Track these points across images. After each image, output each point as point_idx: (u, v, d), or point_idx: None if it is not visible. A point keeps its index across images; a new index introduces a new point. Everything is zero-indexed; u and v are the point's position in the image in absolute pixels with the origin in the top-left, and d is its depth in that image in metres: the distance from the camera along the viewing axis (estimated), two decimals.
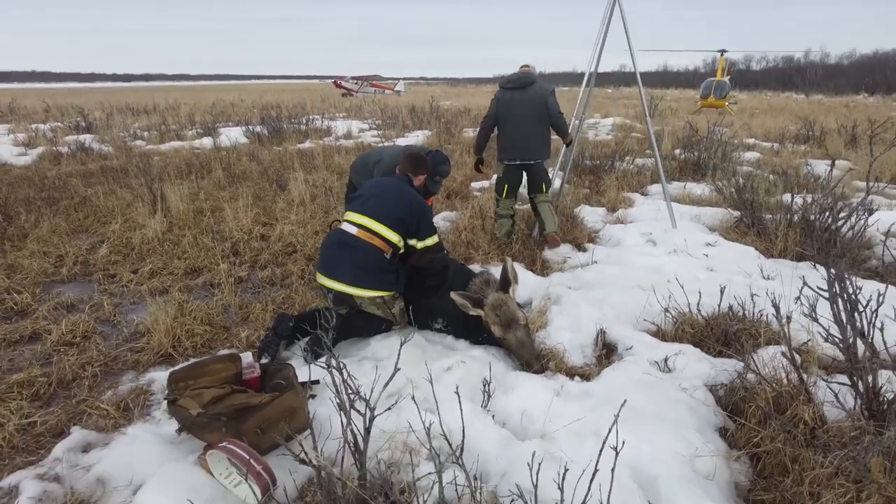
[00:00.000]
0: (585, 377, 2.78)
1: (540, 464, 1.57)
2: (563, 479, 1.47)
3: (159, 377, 2.85)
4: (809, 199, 4.81)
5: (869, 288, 3.01)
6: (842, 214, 4.53)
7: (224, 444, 1.94)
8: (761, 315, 3.05)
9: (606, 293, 3.63)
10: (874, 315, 2.03)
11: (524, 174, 4.92)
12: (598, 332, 3.14)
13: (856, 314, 2.03)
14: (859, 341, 2.04)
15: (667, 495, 1.90)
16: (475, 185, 7.58)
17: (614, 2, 4.69)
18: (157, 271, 4.39)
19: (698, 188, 7.00)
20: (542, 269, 4.40)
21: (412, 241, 3.25)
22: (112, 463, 2.16)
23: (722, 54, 25.11)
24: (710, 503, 1.85)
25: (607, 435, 1.49)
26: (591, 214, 5.96)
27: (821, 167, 8.31)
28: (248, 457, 1.87)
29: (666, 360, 2.78)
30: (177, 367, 2.45)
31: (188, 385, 2.28)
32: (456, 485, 1.92)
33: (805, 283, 2.20)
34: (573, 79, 64.02)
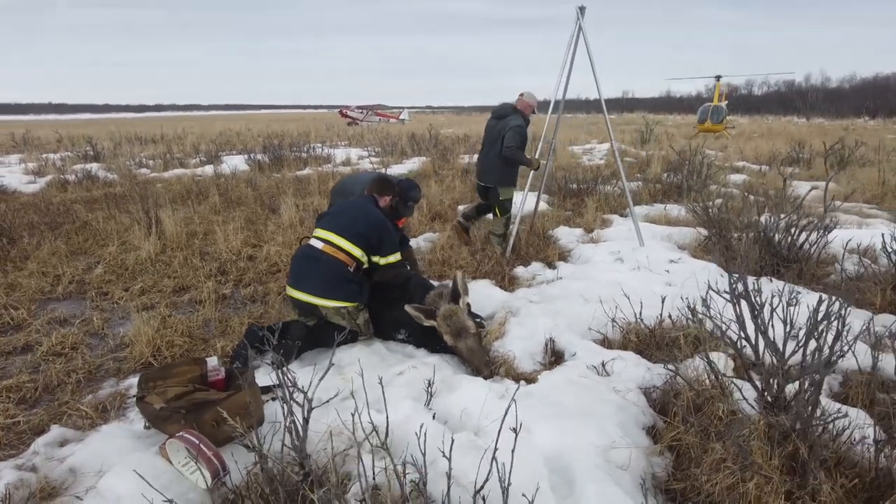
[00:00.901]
0: (531, 381, 2.98)
1: (448, 438, 1.78)
2: (481, 462, 1.68)
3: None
4: (772, 219, 5.01)
5: (811, 298, 3.21)
6: (797, 232, 4.72)
7: (181, 433, 2.16)
8: (699, 323, 3.25)
9: (563, 306, 3.85)
10: (771, 315, 2.23)
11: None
12: (546, 340, 3.35)
13: (755, 314, 2.24)
14: (761, 338, 2.24)
15: (578, 480, 2.09)
16: (461, 207, 7.85)
17: (578, 31, 5.00)
18: (146, 289, 4.65)
19: (676, 209, 7.22)
20: (510, 284, 4.62)
21: (375, 258, 3.50)
22: (84, 455, 2.38)
23: (718, 80, 25.58)
24: (616, 488, 2.03)
25: (505, 421, 1.69)
26: (567, 235, 6.19)
27: (805, 188, 8.52)
28: (199, 443, 2.08)
29: (604, 364, 2.99)
30: (148, 370, 2.68)
31: (156, 385, 2.51)
32: (386, 471, 2.12)
33: (710, 288, 2.41)
34: (579, 105, 64.92)
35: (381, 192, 3.82)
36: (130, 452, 2.35)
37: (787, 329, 2.11)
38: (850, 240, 4.84)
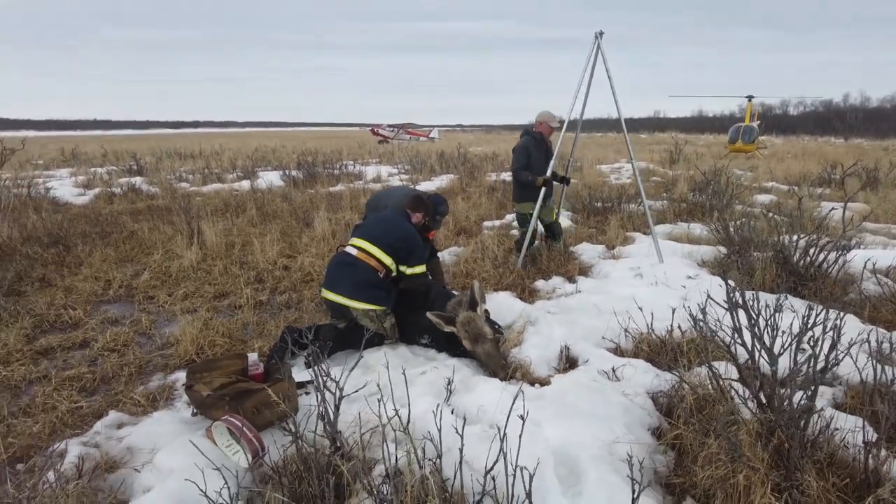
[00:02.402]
0: (544, 384, 3.17)
1: (459, 421, 2.00)
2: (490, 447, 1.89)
3: (183, 377, 3.36)
4: (790, 238, 5.11)
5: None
6: (815, 251, 4.81)
7: (225, 417, 2.42)
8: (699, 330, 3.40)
9: (580, 317, 4.03)
10: (767, 323, 2.39)
11: None
12: (562, 348, 3.54)
13: (753, 322, 2.40)
14: (757, 344, 2.40)
15: (582, 469, 2.28)
16: (486, 223, 8.09)
17: (596, 54, 5.22)
18: (189, 294, 4.99)
19: (699, 228, 7.32)
20: (530, 296, 4.82)
21: (402, 267, 3.76)
22: (139, 436, 2.67)
23: (750, 100, 25.40)
24: (615, 476, 2.21)
25: (519, 415, 1.90)
26: (589, 251, 6.36)
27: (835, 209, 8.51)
28: (241, 425, 2.34)
29: (614, 370, 3.16)
30: (196, 363, 2.97)
31: (203, 376, 2.79)
32: (408, 455, 2.34)
33: (709, 297, 2.58)
34: (610, 125, 64.88)
35: (415, 209, 4.12)
36: (179, 435, 2.63)
37: (773, 333, 2.27)
38: (868, 259, 4.91)
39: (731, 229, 5.72)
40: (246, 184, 12.62)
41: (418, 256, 3.85)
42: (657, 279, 4.96)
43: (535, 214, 5.50)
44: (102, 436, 2.71)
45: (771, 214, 7.13)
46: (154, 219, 8.39)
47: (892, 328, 3.98)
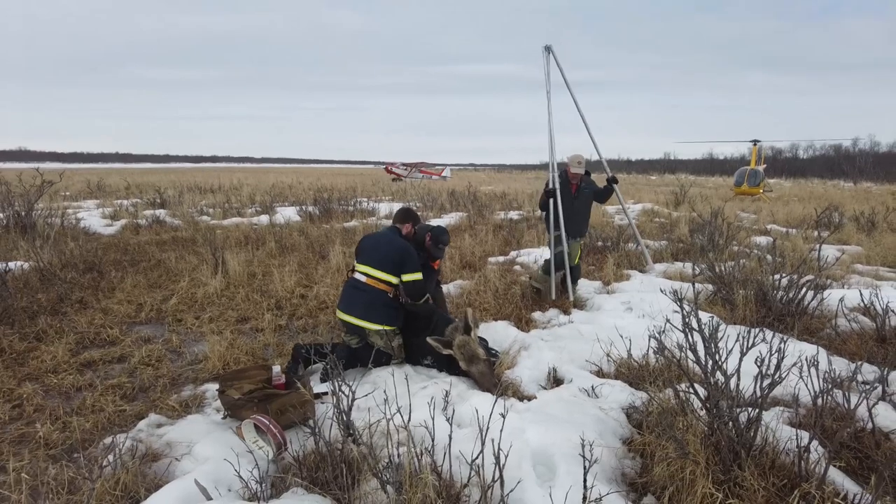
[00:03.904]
0: (531, 399, 3.56)
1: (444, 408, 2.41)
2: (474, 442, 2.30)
3: (211, 388, 3.80)
4: (772, 277, 5.51)
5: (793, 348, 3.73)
6: (793, 290, 5.20)
7: (253, 416, 2.85)
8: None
9: (569, 343, 4.43)
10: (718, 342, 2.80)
11: None
12: (549, 369, 3.94)
13: (708, 343, 2.81)
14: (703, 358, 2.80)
15: (555, 462, 2.68)
16: (491, 259, 8.56)
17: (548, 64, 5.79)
18: (214, 318, 5.46)
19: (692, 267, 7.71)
20: (526, 325, 5.23)
21: (402, 275, 4.13)
22: (176, 434, 3.10)
23: (755, 144, 26.02)
24: (580, 469, 2.59)
25: (505, 422, 2.32)
26: (586, 286, 6.77)
27: (830, 251, 8.91)
28: (267, 422, 2.77)
29: (593, 388, 3.55)
30: (226, 372, 3.41)
31: (233, 383, 3.23)
32: (408, 449, 2.74)
33: (667, 321, 2.99)
34: (620, 166, 65.98)
35: (404, 221, 4.47)
36: (212, 432, 3.06)
37: (714, 350, 2.67)
38: (842, 297, 5.28)
39: (718, 269, 6.13)
40: (265, 218, 13.25)
41: (412, 264, 4.13)
42: (644, 312, 5.35)
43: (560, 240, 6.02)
44: (145, 433, 3.14)
45: (755, 254, 7.54)
46: (179, 249, 8.94)
47: (855, 359, 4.33)
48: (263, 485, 2.42)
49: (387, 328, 4.04)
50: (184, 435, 3.08)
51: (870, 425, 3.14)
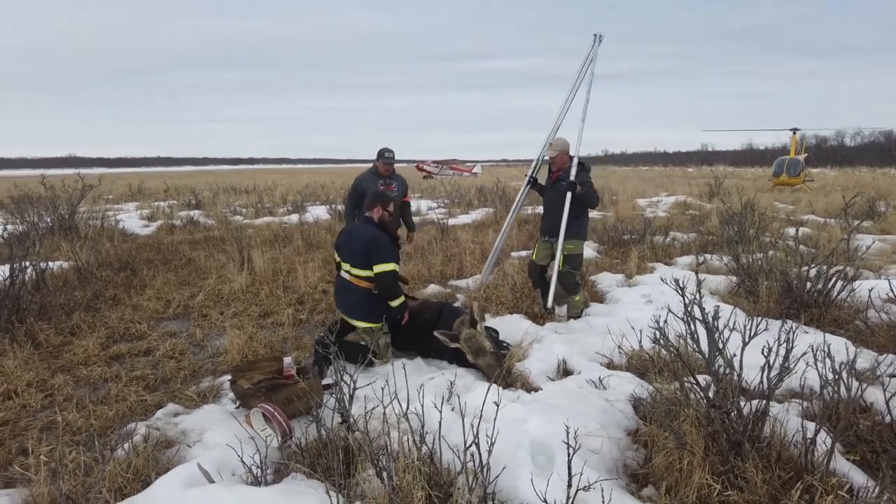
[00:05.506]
0: (539, 390, 3.56)
1: (443, 397, 2.45)
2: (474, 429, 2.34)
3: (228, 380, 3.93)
4: (799, 268, 5.34)
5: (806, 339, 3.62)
6: (819, 280, 5.04)
7: (261, 404, 2.94)
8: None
9: (581, 336, 4.41)
10: (721, 331, 2.75)
11: None
12: (559, 361, 3.93)
13: (713, 332, 2.77)
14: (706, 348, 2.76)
15: (553, 452, 2.69)
16: (513, 253, 8.54)
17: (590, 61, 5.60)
18: (237, 313, 5.63)
19: (718, 259, 7.54)
20: (541, 319, 5.21)
21: (374, 267, 4.05)
22: (191, 422, 3.23)
23: (794, 133, 25.12)
24: (578, 459, 2.59)
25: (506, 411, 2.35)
26: (608, 280, 6.70)
27: (870, 241, 8.56)
28: (273, 411, 2.86)
29: (601, 379, 3.53)
30: (239, 363, 3.53)
31: (245, 374, 3.34)
32: (406, 438, 2.78)
33: (669, 311, 2.95)
34: (655, 158, 64.61)
35: (371, 207, 4.30)
36: (224, 421, 3.17)
37: (718, 337, 2.63)
38: (872, 288, 5.09)
39: (744, 260, 5.98)
40: (295, 217, 13.51)
41: (380, 253, 3.99)
42: (664, 305, 5.25)
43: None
44: (162, 421, 3.29)
45: (784, 244, 7.32)
46: (210, 248, 9.22)
47: (883, 351, 4.17)
48: (265, 470, 2.51)
49: (372, 326, 4.10)
50: (198, 423, 3.21)
51: (888, 418, 3.03)
